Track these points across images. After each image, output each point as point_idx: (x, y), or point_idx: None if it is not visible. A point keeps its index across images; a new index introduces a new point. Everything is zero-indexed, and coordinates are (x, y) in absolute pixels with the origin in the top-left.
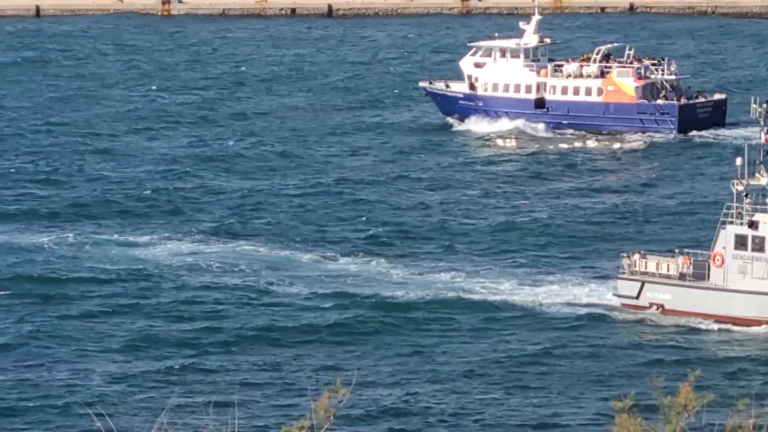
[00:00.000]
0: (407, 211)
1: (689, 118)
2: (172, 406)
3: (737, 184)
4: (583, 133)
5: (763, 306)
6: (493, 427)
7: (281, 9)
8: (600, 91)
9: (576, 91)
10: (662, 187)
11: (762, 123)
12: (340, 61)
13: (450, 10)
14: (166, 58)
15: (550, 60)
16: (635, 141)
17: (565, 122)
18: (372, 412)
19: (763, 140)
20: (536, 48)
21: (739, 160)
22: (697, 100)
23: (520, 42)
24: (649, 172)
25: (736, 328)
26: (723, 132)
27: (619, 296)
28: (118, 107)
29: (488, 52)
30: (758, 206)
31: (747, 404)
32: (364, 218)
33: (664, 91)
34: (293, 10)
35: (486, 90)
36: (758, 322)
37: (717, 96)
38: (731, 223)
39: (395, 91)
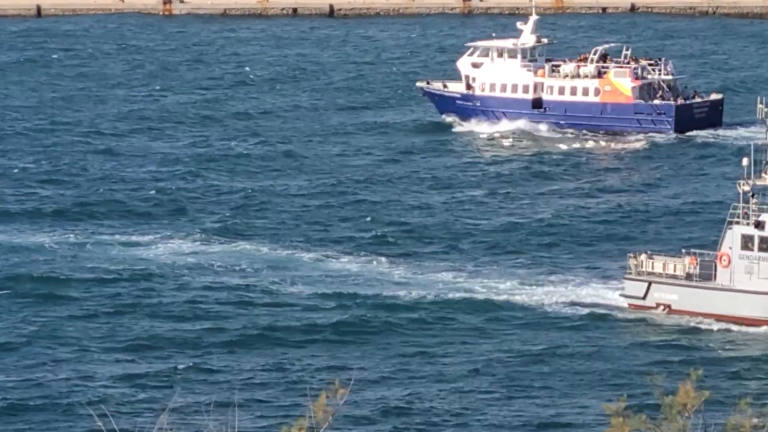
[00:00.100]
0: (410, 211)
1: (686, 118)
2: (174, 406)
3: (743, 185)
4: (584, 133)
5: None
6: (497, 427)
7: (283, 9)
8: (597, 92)
9: (573, 92)
10: (664, 187)
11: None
12: (343, 61)
13: (452, 10)
14: (168, 58)
15: (548, 60)
16: (636, 141)
17: (562, 122)
18: (374, 412)
19: None
20: (533, 48)
21: (745, 161)
22: (693, 100)
23: (517, 42)
24: (650, 173)
25: (742, 328)
26: (724, 132)
27: (626, 297)
28: (121, 107)
29: (485, 52)
30: (764, 206)
31: (748, 403)
32: (367, 218)
33: (661, 91)
34: (295, 10)
35: (483, 90)
36: (765, 323)
37: (714, 96)
38: (738, 223)
39: (398, 91)
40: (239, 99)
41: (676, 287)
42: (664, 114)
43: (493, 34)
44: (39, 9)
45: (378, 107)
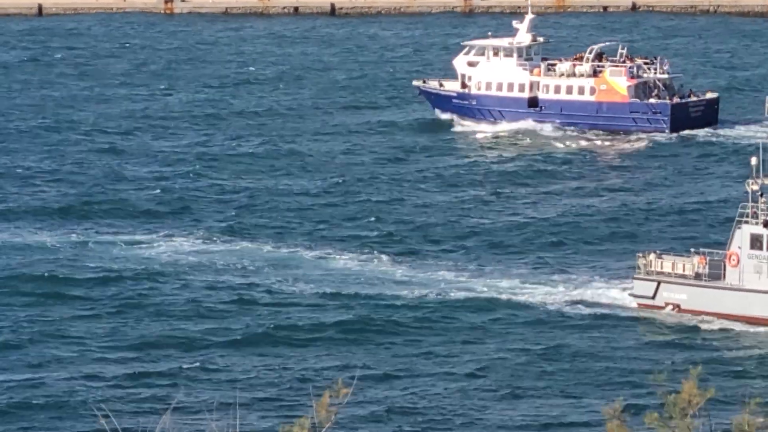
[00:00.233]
0: (413, 210)
1: (682, 117)
2: (177, 406)
3: (752, 184)
4: (585, 133)
5: None
6: (502, 427)
7: (284, 7)
8: (593, 90)
9: (569, 90)
10: (667, 186)
11: None
12: (345, 60)
13: (453, 9)
14: (171, 56)
15: (544, 59)
16: (638, 140)
17: (557, 121)
18: (377, 411)
19: None
20: (529, 47)
21: (753, 160)
22: (689, 99)
23: (513, 41)
24: (653, 172)
25: (752, 327)
26: (725, 131)
27: (635, 296)
28: (124, 106)
29: (481, 51)
30: None
31: (758, 404)
32: (371, 218)
33: (656, 90)
34: (296, 9)
35: (479, 89)
36: None
37: (709, 95)
38: (746, 222)
39: (401, 90)
40: (243, 98)
41: (685, 287)
42: (660, 113)
43: (489, 33)
44: (40, 8)
45: (381, 106)
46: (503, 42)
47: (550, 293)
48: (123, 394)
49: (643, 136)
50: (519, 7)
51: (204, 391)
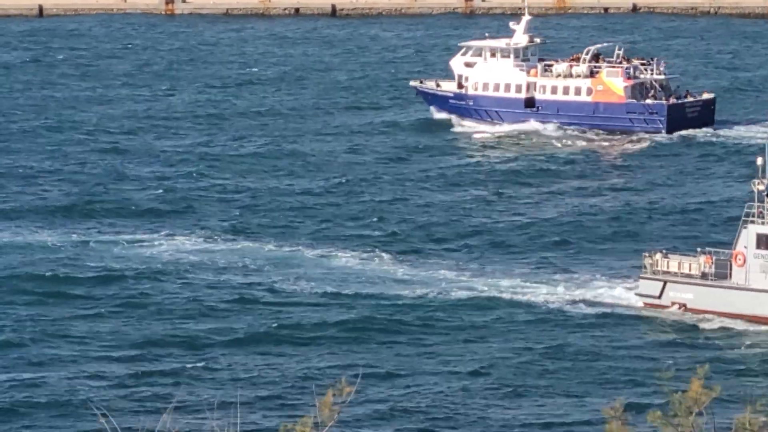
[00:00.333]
0: (416, 210)
1: (678, 118)
2: (178, 405)
3: (758, 184)
4: (586, 132)
5: None
6: (506, 427)
7: (285, 9)
8: (589, 91)
9: (565, 91)
10: (669, 186)
11: None
12: (347, 61)
13: (454, 10)
14: (172, 57)
15: (540, 60)
16: (640, 140)
17: (554, 122)
18: (379, 410)
19: None
20: (526, 48)
21: (759, 160)
22: (686, 100)
23: (510, 42)
24: (655, 172)
25: (758, 327)
26: (726, 131)
27: (642, 296)
28: (126, 106)
29: (478, 52)
30: None
31: (764, 403)
32: (373, 218)
33: (653, 91)
34: (297, 10)
35: (476, 89)
36: None
37: (706, 95)
38: (752, 222)
39: (402, 91)
40: (245, 98)
41: (692, 286)
42: (656, 113)
43: (486, 34)
44: (41, 9)
45: (382, 107)
46: (500, 43)
47: (552, 292)
48: (124, 393)
49: (646, 136)
50: (519, 9)
51: (205, 390)
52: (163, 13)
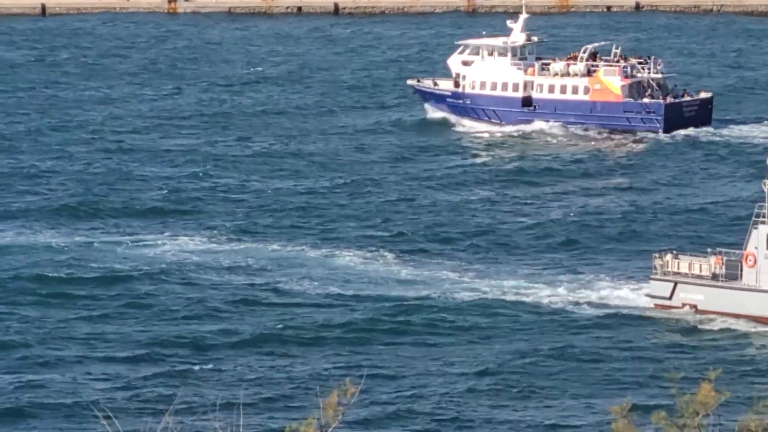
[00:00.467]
0: (421, 210)
1: (675, 117)
2: (180, 407)
3: None
4: (588, 131)
5: None
6: (511, 429)
7: (287, 7)
8: (587, 90)
9: (563, 90)
10: (674, 186)
11: None
12: (350, 60)
13: (456, 8)
14: (176, 56)
15: (538, 58)
16: (642, 141)
17: (551, 120)
18: (383, 412)
19: None
20: (523, 46)
21: None
22: (683, 99)
23: (507, 40)
24: (659, 172)
25: None
26: (729, 131)
27: (652, 297)
28: (130, 106)
29: (476, 51)
30: None
31: (766, 405)
32: (378, 218)
33: (650, 90)
34: (299, 9)
35: (474, 88)
36: None
37: (703, 95)
38: (763, 223)
39: (406, 90)
40: (249, 98)
41: (702, 287)
42: (654, 113)
43: (483, 33)
44: (44, 8)
45: (387, 106)
46: (497, 41)
47: (558, 293)
48: (128, 394)
49: (648, 135)
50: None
51: (208, 391)
52: (166, 11)
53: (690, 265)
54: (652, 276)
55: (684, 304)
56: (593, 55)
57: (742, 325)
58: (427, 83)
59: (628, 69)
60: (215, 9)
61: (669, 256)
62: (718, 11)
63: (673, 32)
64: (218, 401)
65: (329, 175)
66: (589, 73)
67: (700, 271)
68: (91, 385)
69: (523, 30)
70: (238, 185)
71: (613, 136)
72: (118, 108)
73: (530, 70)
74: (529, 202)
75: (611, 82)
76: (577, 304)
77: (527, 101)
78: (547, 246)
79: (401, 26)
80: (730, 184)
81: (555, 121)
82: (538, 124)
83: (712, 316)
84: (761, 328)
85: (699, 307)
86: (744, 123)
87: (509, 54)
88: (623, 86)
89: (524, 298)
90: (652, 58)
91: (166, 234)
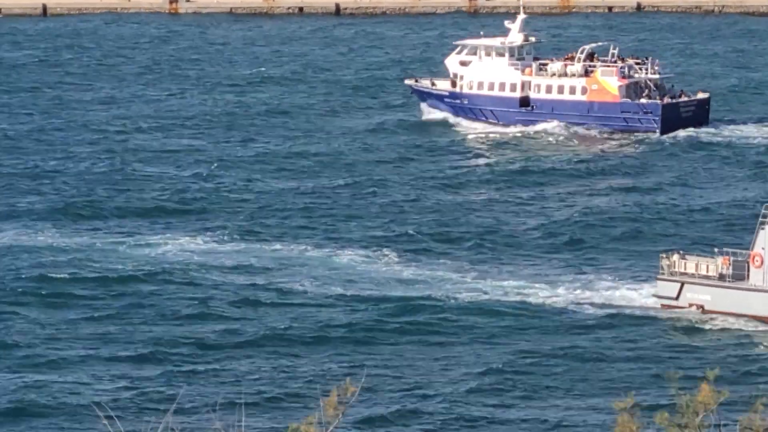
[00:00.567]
0: (423, 211)
1: (672, 118)
2: (182, 407)
3: None
4: (590, 132)
5: None
6: (514, 429)
7: (289, 8)
8: (584, 90)
9: (560, 90)
10: (677, 186)
11: None
12: (352, 60)
13: (458, 9)
14: (178, 56)
15: (535, 59)
16: (644, 141)
17: (549, 121)
18: (385, 412)
19: None
20: (521, 47)
21: None
22: (680, 99)
23: (505, 41)
24: (661, 172)
25: None
26: (731, 131)
27: (659, 297)
28: (133, 106)
29: (473, 51)
30: None
31: (765, 404)
32: (380, 218)
33: (647, 90)
34: (301, 9)
35: (471, 88)
36: None
37: (700, 95)
38: None
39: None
40: (251, 98)
41: (709, 288)
42: (651, 113)
43: (481, 33)
44: (45, 8)
45: (390, 106)
46: (495, 41)
47: (562, 294)
48: (130, 394)
49: (650, 136)
50: (524, 7)
51: (210, 391)
52: (167, 11)
53: (697, 265)
54: (658, 276)
55: (691, 305)
56: (590, 56)
57: (749, 326)
58: (424, 83)
59: (626, 69)
60: (216, 9)
61: (676, 257)
62: (720, 12)
63: (675, 33)
64: (217, 401)
65: (332, 175)
66: (586, 73)
67: (707, 271)
68: (94, 385)
69: (521, 30)
70: (241, 185)
71: (613, 136)
72: (121, 108)
73: (528, 70)
74: (531, 202)
75: (608, 83)
76: (582, 304)
77: (525, 101)
78: (552, 246)
79: (403, 27)
80: (732, 185)
81: (552, 122)
82: (536, 125)
83: (719, 317)
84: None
85: (706, 308)
86: (746, 123)
87: (507, 54)
88: (620, 86)
89: (528, 299)
90: (650, 58)
91: (169, 234)
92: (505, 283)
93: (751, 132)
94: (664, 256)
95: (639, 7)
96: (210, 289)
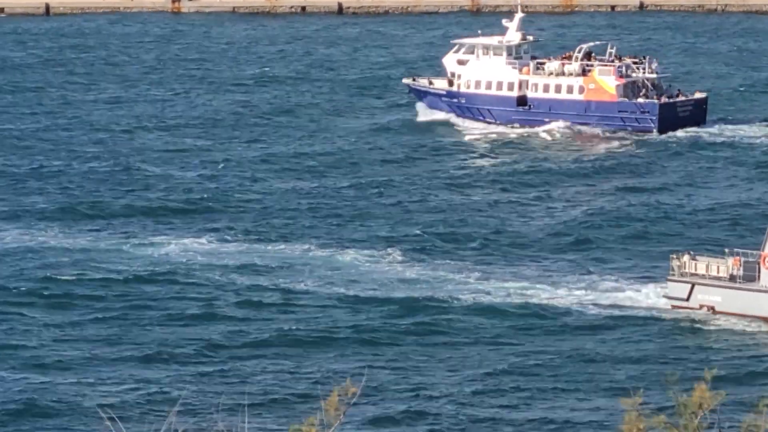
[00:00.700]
0: (427, 211)
1: (669, 117)
2: (184, 408)
3: None
4: (587, 132)
5: None
6: (518, 430)
7: (291, 7)
8: (581, 89)
9: (558, 89)
10: (680, 186)
11: None
12: (355, 60)
13: (460, 8)
14: (181, 56)
15: (533, 58)
16: (645, 141)
17: (546, 120)
18: (388, 413)
19: None
20: (519, 45)
21: None
22: (677, 99)
23: (502, 39)
24: (663, 173)
25: None
26: (732, 131)
27: (670, 298)
28: (136, 106)
29: (471, 50)
30: None
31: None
32: (383, 219)
33: (645, 90)
34: (303, 8)
35: (469, 87)
36: None
37: (698, 95)
38: None
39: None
40: (254, 98)
41: (720, 289)
42: (648, 112)
43: (479, 32)
44: (48, 7)
45: (394, 105)
46: (493, 40)
47: (568, 294)
48: (132, 396)
49: (653, 136)
50: (526, 6)
51: (214, 392)
52: (170, 11)
53: (707, 266)
54: (669, 277)
55: (701, 306)
56: (588, 55)
57: (759, 327)
58: (422, 82)
59: (623, 69)
60: (219, 8)
61: (686, 257)
62: (723, 11)
63: (677, 32)
64: (224, 401)
65: (336, 175)
66: (584, 72)
67: (718, 272)
68: (97, 386)
69: (519, 29)
70: (246, 185)
71: (613, 136)
72: (126, 108)
73: (525, 69)
74: (537, 202)
75: (606, 82)
76: (587, 304)
77: (522, 100)
78: (557, 246)
79: (405, 26)
80: (737, 185)
81: (550, 121)
82: (534, 124)
83: (729, 318)
84: None
85: (716, 309)
86: (750, 122)
87: (504, 53)
88: (618, 86)
89: (533, 299)
90: (647, 57)
91: (174, 234)
92: (510, 283)
93: (755, 131)
94: (675, 256)
95: (642, 6)
96: (215, 289)
